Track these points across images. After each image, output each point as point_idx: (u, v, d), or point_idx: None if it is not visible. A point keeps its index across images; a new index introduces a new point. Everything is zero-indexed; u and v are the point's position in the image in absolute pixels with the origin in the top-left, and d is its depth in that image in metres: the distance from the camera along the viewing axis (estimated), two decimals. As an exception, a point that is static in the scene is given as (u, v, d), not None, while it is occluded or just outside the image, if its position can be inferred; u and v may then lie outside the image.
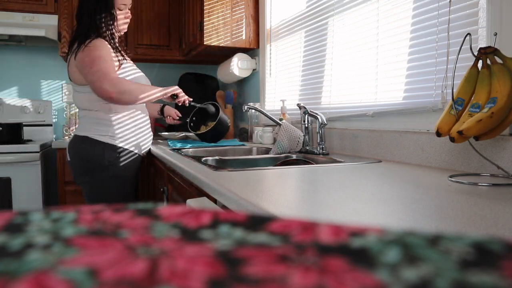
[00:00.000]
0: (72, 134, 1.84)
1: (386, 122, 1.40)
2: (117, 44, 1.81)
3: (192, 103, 1.96)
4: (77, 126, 1.89)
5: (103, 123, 1.75)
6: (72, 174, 1.86)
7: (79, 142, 1.76)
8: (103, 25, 1.77)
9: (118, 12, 1.82)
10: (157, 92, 1.78)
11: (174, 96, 1.88)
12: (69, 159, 1.82)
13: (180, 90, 1.88)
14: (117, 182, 1.79)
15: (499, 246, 0.21)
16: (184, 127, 2.70)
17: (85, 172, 1.77)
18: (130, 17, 1.90)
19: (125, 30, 1.90)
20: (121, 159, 1.78)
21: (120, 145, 1.76)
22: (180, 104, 1.91)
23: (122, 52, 1.82)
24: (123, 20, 1.86)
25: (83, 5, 1.78)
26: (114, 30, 1.80)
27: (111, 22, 1.79)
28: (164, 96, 1.83)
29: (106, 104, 1.75)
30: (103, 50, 1.70)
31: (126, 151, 1.79)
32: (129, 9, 1.88)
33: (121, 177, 1.79)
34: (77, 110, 2.98)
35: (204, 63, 3.23)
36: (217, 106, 2.10)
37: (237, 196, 0.77)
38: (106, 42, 1.74)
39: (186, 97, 1.91)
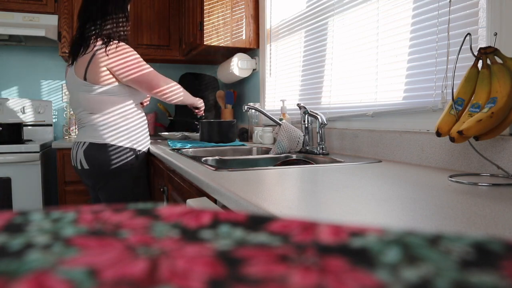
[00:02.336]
0: (84, 141, 1.83)
1: (386, 122, 1.40)
2: None
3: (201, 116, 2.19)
4: (85, 130, 1.87)
5: (120, 128, 1.82)
6: (90, 181, 1.88)
7: (98, 149, 1.79)
8: (120, 26, 1.84)
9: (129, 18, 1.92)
10: (190, 98, 2.00)
11: (195, 108, 2.09)
12: (86, 167, 1.81)
13: (203, 105, 2.10)
14: (138, 183, 1.90)
15: (499, 246, 0.21)
16: (183, 128, 2.70)
17: (108, 178, 1.82)
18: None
19: None
20: (138, 160, 1.88)
21: (137, 147, 1.86)
22: (197, 114, 2.13)
23: None
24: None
25: (105, 7, 1.81)
26: (127, 33, 1.88)
27: (126, 25, 1.87)
28: (191, 105, 2.06)
29: (122, 107, 1.82)
30: (137, 54, 1.82)
31: (140, 152, 1.88)
32: None
33: (139, 177, 1.91)
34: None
35: (204, 63, 3.23)
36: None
37: (237, 196, 0.77)
38: None
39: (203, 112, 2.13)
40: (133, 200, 1.87)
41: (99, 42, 1.76)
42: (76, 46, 1.82)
